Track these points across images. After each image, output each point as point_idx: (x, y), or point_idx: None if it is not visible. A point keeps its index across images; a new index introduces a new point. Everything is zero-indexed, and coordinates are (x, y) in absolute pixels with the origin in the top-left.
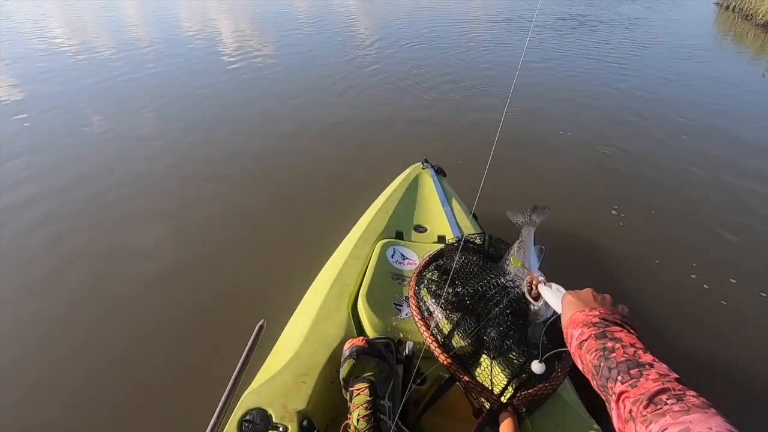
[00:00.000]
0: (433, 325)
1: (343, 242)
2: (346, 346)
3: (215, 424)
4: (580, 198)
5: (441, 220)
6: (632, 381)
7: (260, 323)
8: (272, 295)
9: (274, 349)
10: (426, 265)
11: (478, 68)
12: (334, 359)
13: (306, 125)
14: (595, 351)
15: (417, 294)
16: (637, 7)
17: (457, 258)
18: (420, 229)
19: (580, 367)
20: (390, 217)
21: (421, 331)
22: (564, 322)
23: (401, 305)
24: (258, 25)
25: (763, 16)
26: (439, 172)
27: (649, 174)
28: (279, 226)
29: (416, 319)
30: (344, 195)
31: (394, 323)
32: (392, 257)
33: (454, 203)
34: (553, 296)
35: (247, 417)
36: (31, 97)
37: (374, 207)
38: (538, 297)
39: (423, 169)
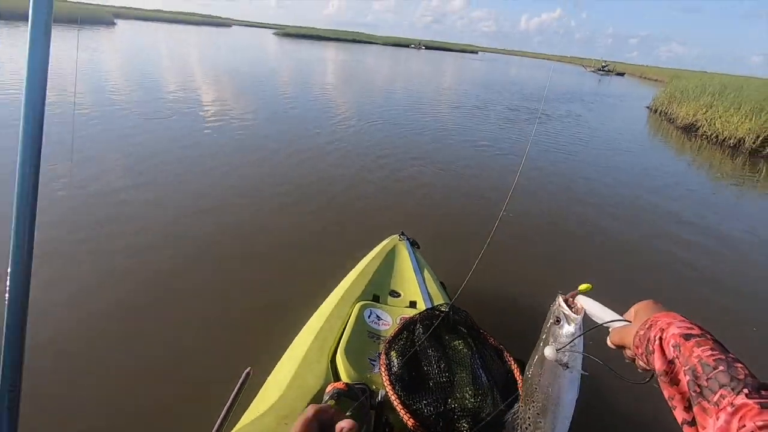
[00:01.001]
0: (398, 388)
1: (326, 301)
2: (328, 388)
3: None
4: (525, 276)
5: (413, 287)
6: (764, 401)
7: (247, 370)
8: (259, 346)
9: (258, 394)
10: (400, 331)
11: (452, 151)
12: (314, 404)
13: (296, 199)
14: (712, 351)
15: (388, 354)
16: (579, 106)
17: (421, 332)
18: (394, 294)
19: (659, 358)
20: (368, 281)
21: (388, 390)
22: (639, 320)
23: (375, 360)
24: (245, 95)
25: (681, 121)
26: (414, 244)
27: (595, 251)
28: (268, 285)
29: (384, 379)
30: (327, 259)
31: (368, 376)
32: (369, 318)
33: (426, 273)
34: (599, 307)
35: None
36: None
37: (354, 272)
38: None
39: (399, 240)
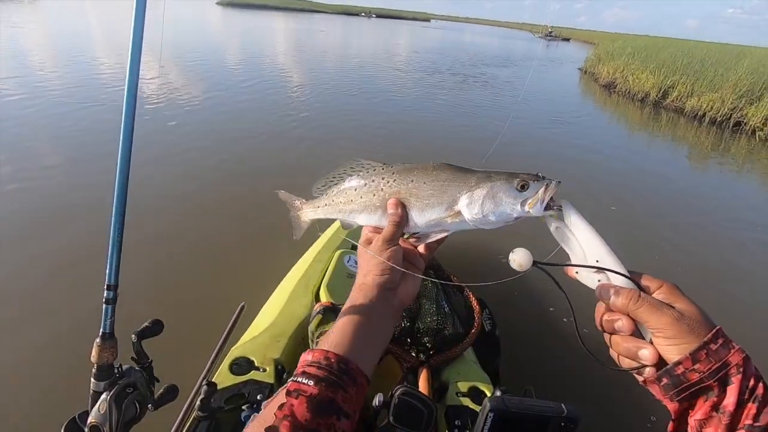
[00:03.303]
0: None
1: (309, 250)
2: (316, 307)
3: (207, 371)
4: None
5: None
6: None
7: (241, 305)
8: (251, 286)
9: (252, 322)
10: None
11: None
12: (301, 328)
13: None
14: None
15: None
16: (515, 67)
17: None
18: None
19: (734, 393)
20: (347, 233)
21: None
22: (685, 317)
23: None
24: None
25: (603, 79)
26: None
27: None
28: (259, 235)
29: None
30: None
31: None
32: (348, 262)
33: None
34: (594, 234)
35: (236, 362)
36: None
37: (335, 225)
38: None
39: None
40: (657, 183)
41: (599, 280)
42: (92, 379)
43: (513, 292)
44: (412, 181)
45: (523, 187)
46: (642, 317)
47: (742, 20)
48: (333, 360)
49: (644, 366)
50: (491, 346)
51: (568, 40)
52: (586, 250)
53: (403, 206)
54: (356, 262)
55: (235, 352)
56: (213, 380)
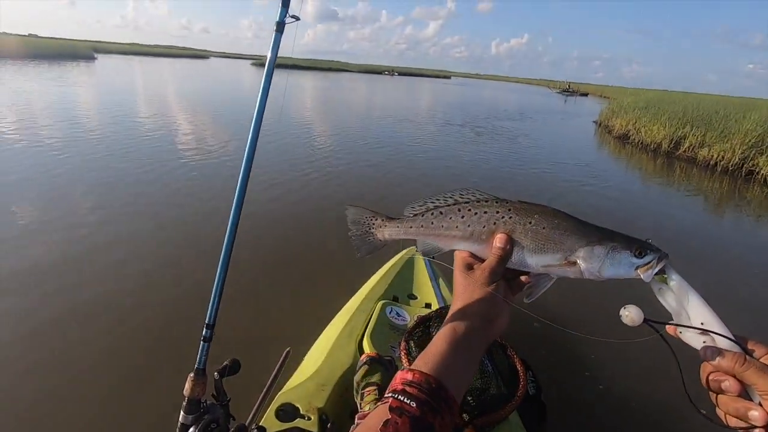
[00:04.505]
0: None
1: (352, 299)
2: (362, 357)
3: (254, 414)
4: None
5: (429, 291)
6: None
7: (287, 350)
8: (297, 333)
9: (297, 369)
10: (417, 325)
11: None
12: (345, 377)
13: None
14: None
15: (408, 342)
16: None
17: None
18: (412, 296)
19: None
20: (389, 284)
21: (407, 366)
22: None
23: (395, 347)
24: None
25: (617, 132)
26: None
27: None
28: (305, 286)
29: (404, 360)
30: (355, 264)
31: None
32: (390, 313)
33: (440, 280)
34: (702, 304)
35: (282, 408)
36: None
37: (377, 275)
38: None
39: (416, 252)
40: (675, 229)
41: (704, 342)
42: (182, 412)
43: (552, 355)
44: (531, 222)
45: (640, 254)
46: (749, 380)
47: (762, 75)
48: (434, 385)
49: (754, 427)
50: (536, 410)
51: (586, 95)
52: (691, 313)
53: (512, 243)
54: (398, 314)
55: (281, 397)
56: (261, 424)
